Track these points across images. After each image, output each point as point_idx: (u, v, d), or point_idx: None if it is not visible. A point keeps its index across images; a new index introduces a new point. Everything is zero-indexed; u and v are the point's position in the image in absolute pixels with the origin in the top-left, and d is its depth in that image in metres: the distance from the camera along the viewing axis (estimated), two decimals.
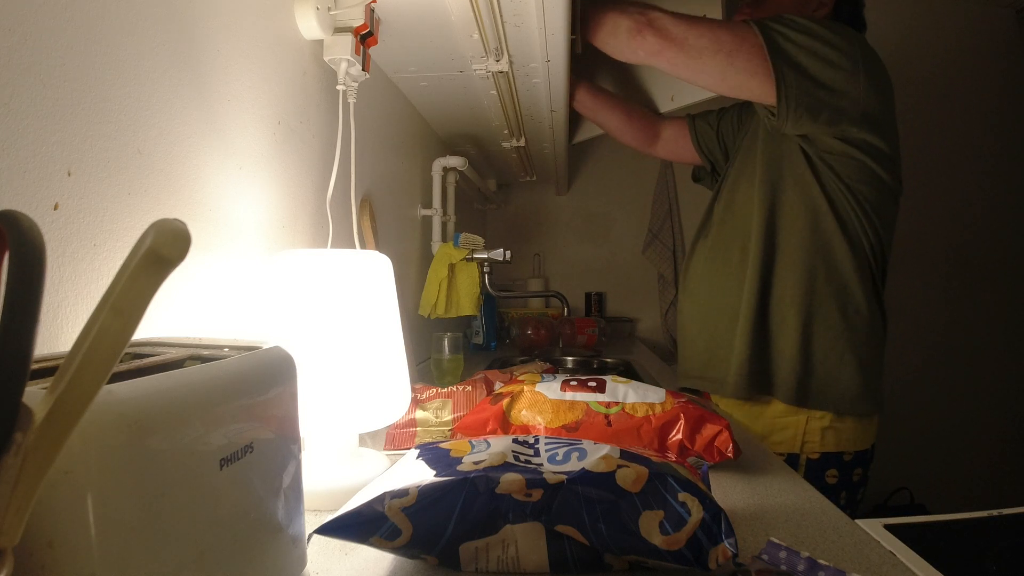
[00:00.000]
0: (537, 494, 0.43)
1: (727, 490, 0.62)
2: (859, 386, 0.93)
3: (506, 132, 1.52)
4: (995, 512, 0.61)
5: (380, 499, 0.42)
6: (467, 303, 1.43)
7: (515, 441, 0.52)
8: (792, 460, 0.94)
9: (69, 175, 0.43)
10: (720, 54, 0.92)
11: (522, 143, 1.60)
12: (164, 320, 0.53)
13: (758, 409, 0.98)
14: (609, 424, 0.69)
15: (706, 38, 0.93)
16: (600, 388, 0.73)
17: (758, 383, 0.97)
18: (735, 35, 0.92)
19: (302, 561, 0.42)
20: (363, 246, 0.97)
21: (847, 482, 0.95)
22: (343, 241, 0.90)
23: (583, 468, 0.44)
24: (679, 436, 0.67)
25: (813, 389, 0.94)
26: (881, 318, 0.97)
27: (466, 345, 1.71)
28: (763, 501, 0.59)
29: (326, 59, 0.82)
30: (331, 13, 0.80)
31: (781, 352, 0.96)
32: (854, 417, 0.94)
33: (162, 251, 0.20)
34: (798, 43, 0.89)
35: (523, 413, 0.73)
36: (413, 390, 0.80)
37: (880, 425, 0.99)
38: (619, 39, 1.01)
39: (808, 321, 0.94)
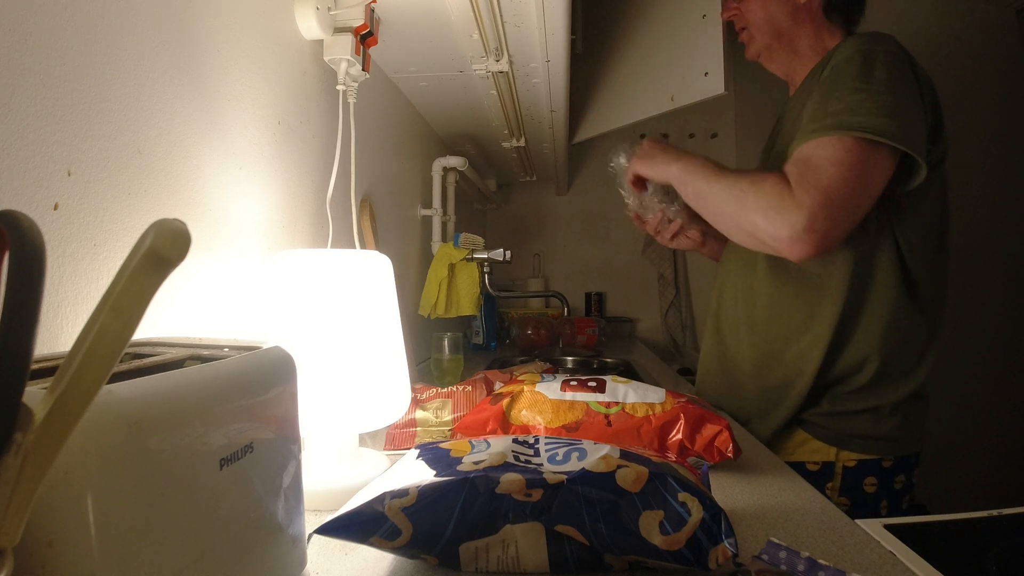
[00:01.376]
0: (537, 494, 0.43)
1: (727, 490, 0.62)
2: (903, 429, 0.89)
3: (506, 132, 1.52)
4: (995, 512, 0.61)
5: (380, 499, 0.42)
6: (467, 303, 1.43)
7: (515, 441, 0.52)
8: (828, 468, 0.89)
9: (69, 175, 0.43)
10: (862, 187, 0.78)
11: (522, 143, 1.60)
12: (164, 320, 0.53)
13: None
14: (609, 424, 0.69)
15: (858, 194, 0.79)
16: (600, 388, 0.73)
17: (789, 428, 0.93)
18: (863, 158, 0.78)
19: (302, 561, 0.42)
20: (363, 246, 0.97)
21: (888, 490, 0.90)
22: (343, 241, 0.90)
23: (583, 468, 0.44)
24: (679, 436, 0.67)
25: (843, 433, 0.90)
26: (929, 367, 0.92)
27: (466, 345, 1.70)
28: (763, 501, 0.59)
29: (326, 59, 0.82)
30: (331, 13, 0.80)
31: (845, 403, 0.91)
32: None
33: (162, 251, 0.20)
34: (878, 110, 0.78)
35: (523, 413, 0.73)
36: (413, 390, 0.80)
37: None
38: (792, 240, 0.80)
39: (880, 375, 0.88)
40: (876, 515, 0.89)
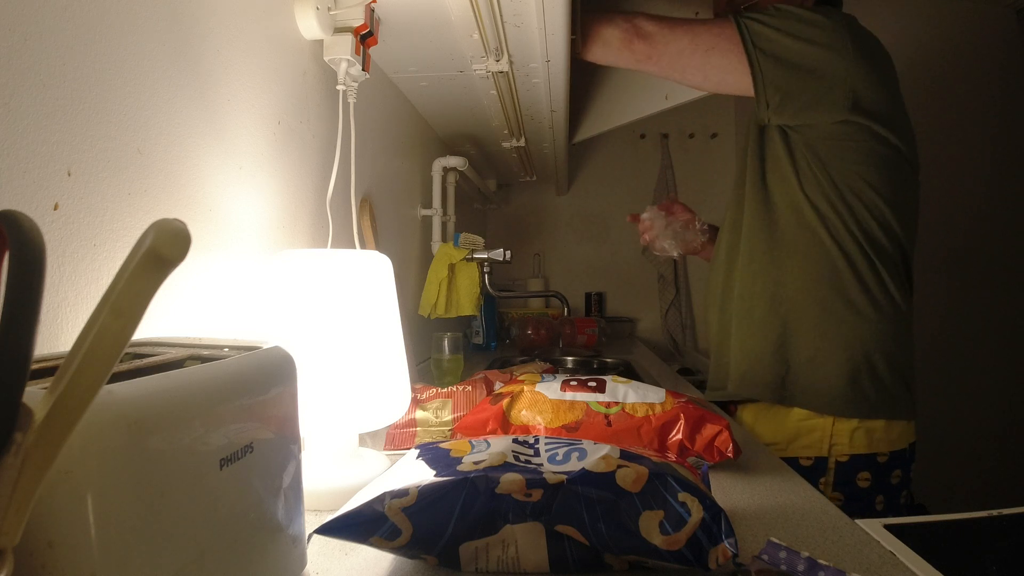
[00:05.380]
0: (537, 494, 0.43)
1: (727, 490, 0.62)
2: (853, 388, 0.89)
3: (506, 132, 1.52)
4: (995, 512, 0.61)
5: (380, 499, 0.42)
6: (467, 303, 1.43)
7: (515, 441, 0.52)
8: (820, 464, 0.90)
9: (69, 175, 0.43)
10: (698, 53, 0.95)
11: (522, 143, 1.60)
12: (164, 320, 0.53)
13: (781, 415, 0.94)
14: (609, 424, 0.69)
15: (686, 39, 0.95)
16: (600, 388, 0.73)
17: (748, 385, 0.97)
18: (712, 32, 0.93)
19: (302, 561, 0.42)
20: (363, 246, 0.97)
21: (884, 485, 0.90)
22: (343, 241, 0.90)
23: (583, 468, 0.44)
24: (679, 436, 0.67)
25: (796, 390, 0.92)
26: (893, 314, 0.91)
27: (466, 345, 1.70)
28: (763, 501, 0.59)
29: (326, 59, 0.82)
30: (331, 13, 0.80)
31: (762, 352, 0.95)
32: (884, 417, 0.90)
33: (162, 251, 0.20)
34: (775, 27, 0.89)
35: (523, 413, 0.73)
36: (413, 390, 0.80)
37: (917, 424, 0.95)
38: (610, 50, 1.04)
39: (786, 320, 0.93)
40: (871, 510, 0.91)
